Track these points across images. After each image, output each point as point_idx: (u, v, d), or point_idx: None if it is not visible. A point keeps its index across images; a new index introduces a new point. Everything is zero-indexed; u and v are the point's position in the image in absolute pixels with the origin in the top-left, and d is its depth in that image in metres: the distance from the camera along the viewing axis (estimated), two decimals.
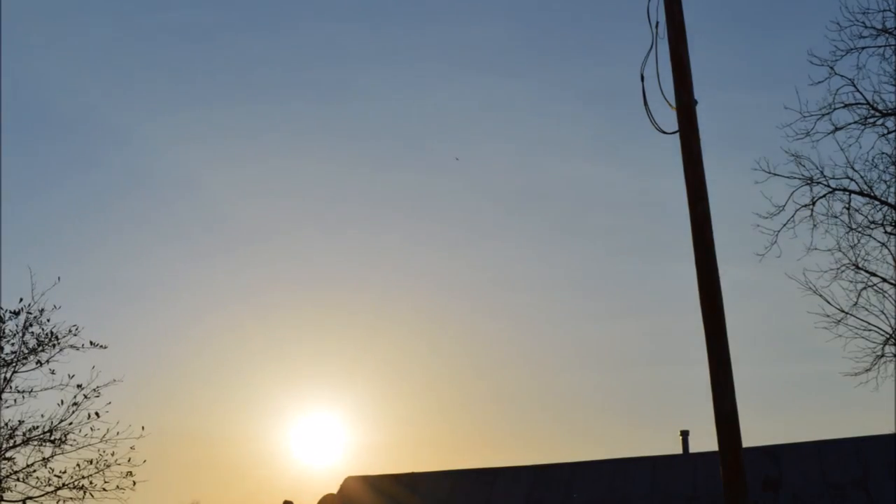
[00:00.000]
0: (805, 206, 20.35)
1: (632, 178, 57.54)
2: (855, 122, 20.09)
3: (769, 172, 20.40)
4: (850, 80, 19.89)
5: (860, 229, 20.31)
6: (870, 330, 20.31)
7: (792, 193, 20.37)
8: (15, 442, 22.15)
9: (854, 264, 20.39)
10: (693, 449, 23.91)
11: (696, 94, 10.89)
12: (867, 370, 20.24)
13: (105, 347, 22.73)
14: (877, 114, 19.97)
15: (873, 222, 20.20)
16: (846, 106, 20.05)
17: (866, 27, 19.69)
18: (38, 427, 22.13)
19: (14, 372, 22.22)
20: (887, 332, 20.22)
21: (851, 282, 20.49)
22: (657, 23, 11.03)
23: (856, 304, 20.36)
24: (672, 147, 10.99)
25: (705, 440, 23.78)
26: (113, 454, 22.45)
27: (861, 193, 20.25)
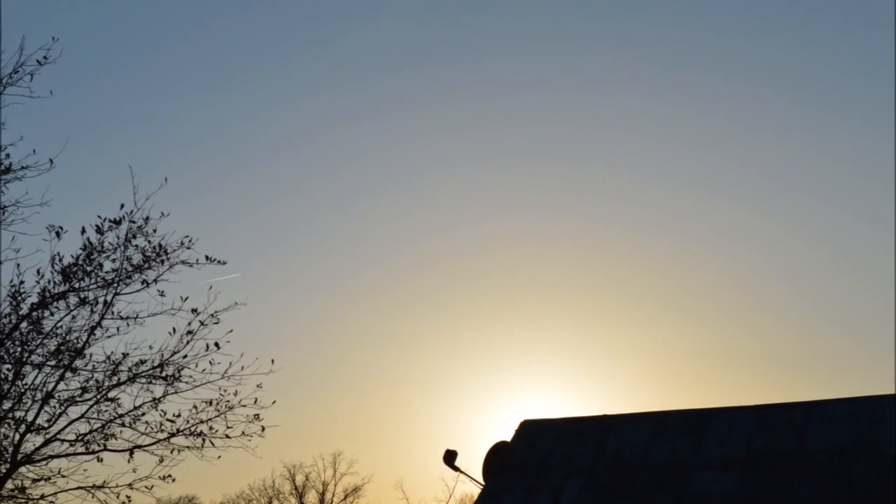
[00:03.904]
0: None
1: None
2: None
3: None
4: None
5: None
6: None
7: None
8: (119, 379, 18.55)
9: None
10: None
11: None
12: None
13: (224, 263, 19.06)
14: None
15: None
16: None
17: None
18: (145, 361, 18.57)
19: (116, 294, 18.60)
20: None
21: None
22: None
23: None
24: None
25: None
26: (236, 393, 18.66)
27: None
